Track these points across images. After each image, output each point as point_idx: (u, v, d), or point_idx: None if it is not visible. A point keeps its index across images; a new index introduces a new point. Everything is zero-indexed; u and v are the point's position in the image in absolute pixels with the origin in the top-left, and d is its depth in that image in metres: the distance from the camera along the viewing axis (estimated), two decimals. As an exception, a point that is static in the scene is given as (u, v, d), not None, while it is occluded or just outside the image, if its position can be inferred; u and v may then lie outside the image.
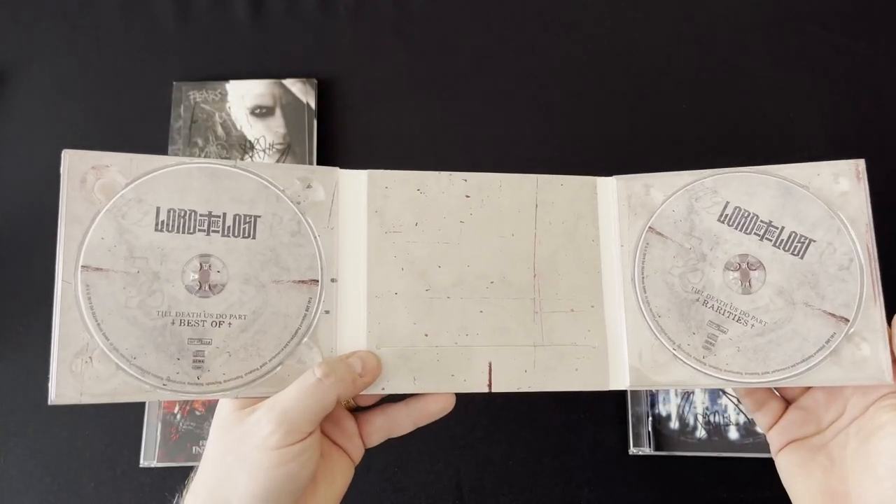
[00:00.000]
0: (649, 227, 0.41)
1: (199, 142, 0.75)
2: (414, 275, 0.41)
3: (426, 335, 0.41)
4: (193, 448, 0.65)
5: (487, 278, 0.42)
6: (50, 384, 0.36)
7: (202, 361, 0.38)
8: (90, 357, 0.37)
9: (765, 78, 0.79)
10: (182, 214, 0.39)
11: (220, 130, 0.75)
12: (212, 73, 0.78)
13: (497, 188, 0.43)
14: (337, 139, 0.76)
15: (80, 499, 0.65)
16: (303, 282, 0.40)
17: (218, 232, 0.39)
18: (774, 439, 0.44)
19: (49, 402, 0.36)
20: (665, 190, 0.43)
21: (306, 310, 0.40)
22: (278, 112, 0.76)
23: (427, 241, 0.42)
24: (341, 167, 0.43)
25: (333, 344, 0.40)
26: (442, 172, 0.43)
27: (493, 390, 0.41)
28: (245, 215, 0.40)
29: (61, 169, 0.38)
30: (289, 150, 0.75)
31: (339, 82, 0.78)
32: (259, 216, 0.40)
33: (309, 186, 0.41)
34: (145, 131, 0.76)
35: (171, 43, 0.79)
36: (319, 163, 0.74)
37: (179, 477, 0.66)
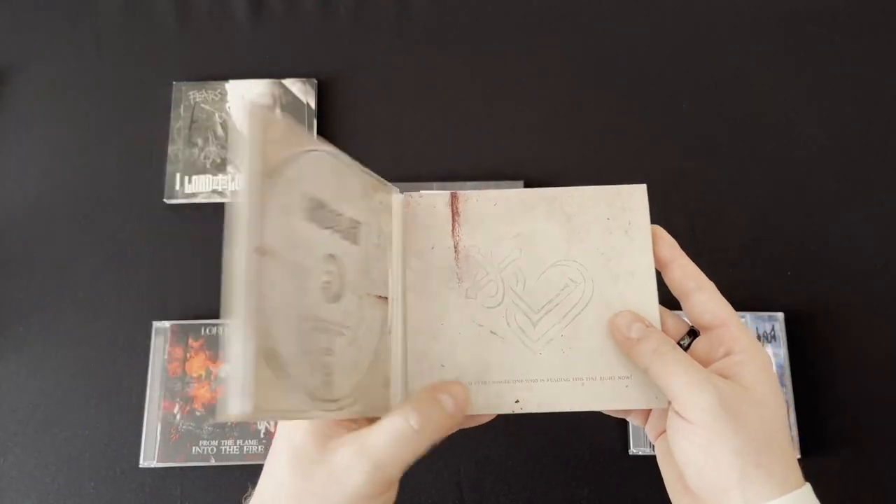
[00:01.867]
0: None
1: (199, 142, 0.75)
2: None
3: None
4: (193, 448, 0.65)
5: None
6: (230, 397, 0.28)
7: (330, 375, 0.33)
8: (265, 363, 0.29)
9: (765, 78, 0.79)
10: (321, 206, 0.33)
11: (219, 130, 0.75)
12: (212, 73, 0.78)
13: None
14: (337, 139, 0.76)
15: (80, 499, 0.65)
16: (381, 297, 0.37)
17: (341, 233, 0.34)
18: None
19: (217, 420, 0.29)
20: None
21: (382, 327, 0.37)
22: (278, 112, 0.76)
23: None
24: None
25: (397, 366, 0.38)
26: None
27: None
28: (353, 218, 0.36)
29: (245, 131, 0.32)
30: (289, 150, 0.75)
31: (339, 82, 0.78)
32: (360, 222, 0.36)
33: (380, 202, 0.39)
34: (145, 131, 0.76)
35: (171, 43, 0.79)
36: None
37: (179, 477, 0.67)
